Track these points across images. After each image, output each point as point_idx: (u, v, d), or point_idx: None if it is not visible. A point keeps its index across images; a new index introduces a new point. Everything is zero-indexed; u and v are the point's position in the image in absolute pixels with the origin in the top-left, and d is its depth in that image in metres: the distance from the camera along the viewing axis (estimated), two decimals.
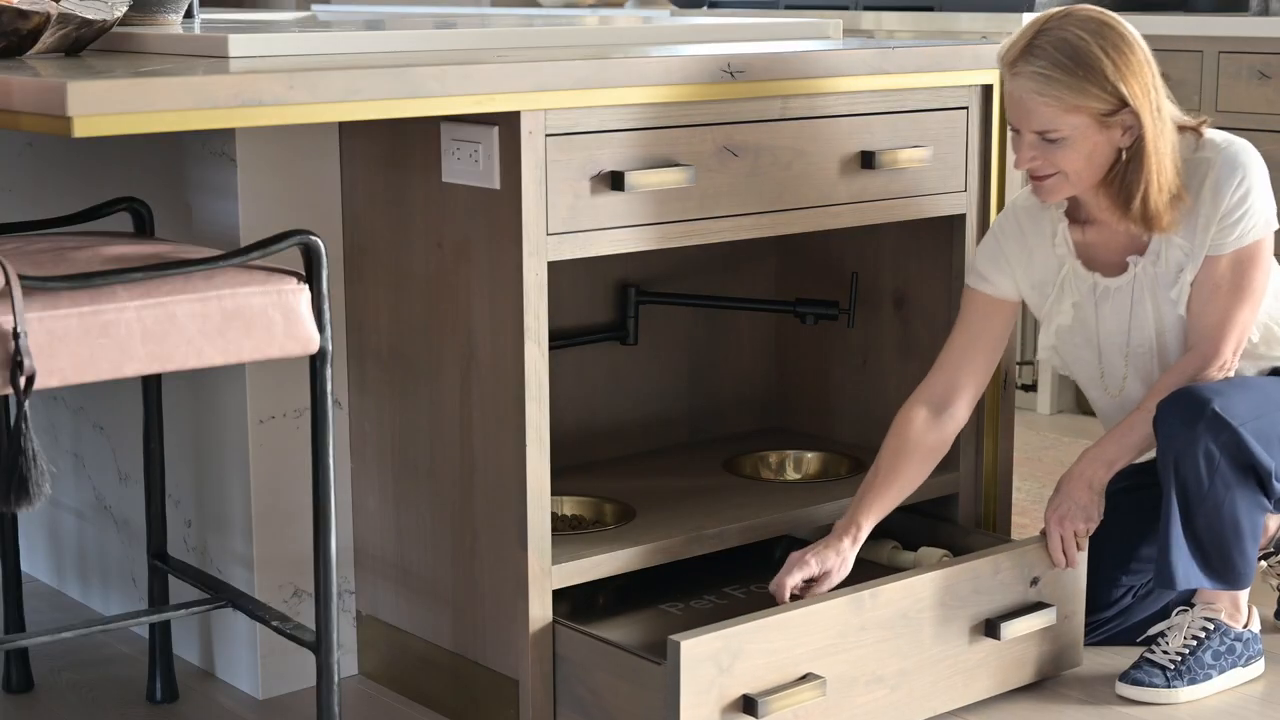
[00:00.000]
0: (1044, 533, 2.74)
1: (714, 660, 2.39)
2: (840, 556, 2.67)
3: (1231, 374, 2.70)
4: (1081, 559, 2.75)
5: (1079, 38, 2.56)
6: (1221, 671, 2.76)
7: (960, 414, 2.81)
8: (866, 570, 2.80)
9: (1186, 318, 2.70)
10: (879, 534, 2.97)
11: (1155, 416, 2.65)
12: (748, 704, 2.41)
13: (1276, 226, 2.71)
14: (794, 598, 2.62)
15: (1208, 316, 2.68)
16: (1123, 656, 2.85)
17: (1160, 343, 2.75)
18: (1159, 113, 2.60)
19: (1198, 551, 2.65)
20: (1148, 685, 2.73)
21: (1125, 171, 2.61)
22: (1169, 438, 2.64)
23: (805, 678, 2.47)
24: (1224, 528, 2.64)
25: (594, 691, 2.49)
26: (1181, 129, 2.68)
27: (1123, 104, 2.57)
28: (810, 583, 2.66)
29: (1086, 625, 2.87)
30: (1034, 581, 2.72)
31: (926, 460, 2.79)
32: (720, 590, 2.83)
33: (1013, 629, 2.68)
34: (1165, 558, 2.65)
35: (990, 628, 2.67)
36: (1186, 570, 2.65)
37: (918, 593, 2.59)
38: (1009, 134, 2.69)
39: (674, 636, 2.37)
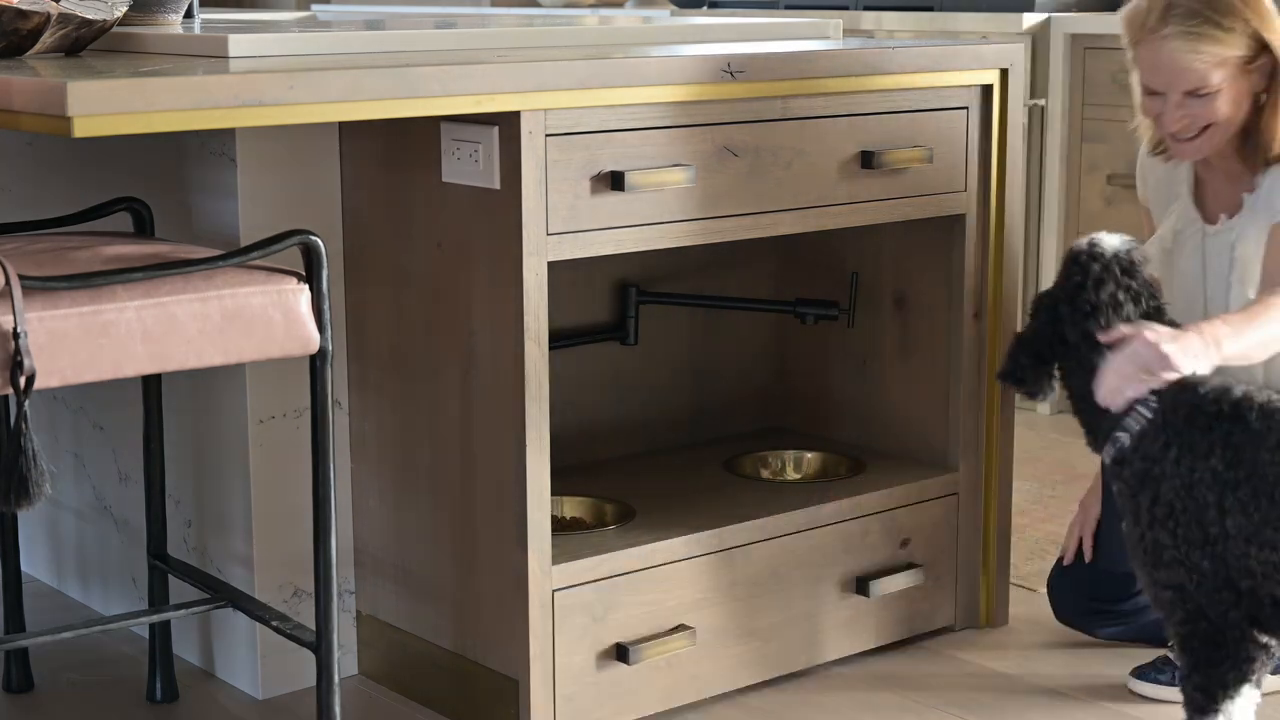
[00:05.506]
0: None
1: (588, 610, 2.55)
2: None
3: None
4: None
5: None
6: None
7: None
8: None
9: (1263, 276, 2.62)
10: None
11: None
12: (620, 652, 2.59)
13: None
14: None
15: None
16: (1124, 657, 2.85)
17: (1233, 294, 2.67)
18: None
19: None
20: (1152, 681, 2.73)
21: (1260, 118, 2.61)
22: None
23: (677, 629, 2.64)
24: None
25: None
26: None
27: (1262, 47, 2.58)
28: None
29: (1107, 616, 2.87)
30: (904, 543, 2.88)
31: None
32: None
33: (882, 587, 2.85)
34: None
35: (860, 585, 2.84)
36: None
37: (789, 551, 2.75)
38: (1140, 100, 2.67)
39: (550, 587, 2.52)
